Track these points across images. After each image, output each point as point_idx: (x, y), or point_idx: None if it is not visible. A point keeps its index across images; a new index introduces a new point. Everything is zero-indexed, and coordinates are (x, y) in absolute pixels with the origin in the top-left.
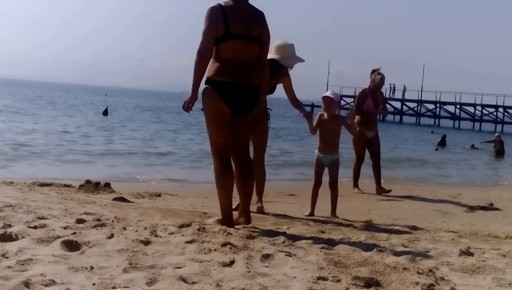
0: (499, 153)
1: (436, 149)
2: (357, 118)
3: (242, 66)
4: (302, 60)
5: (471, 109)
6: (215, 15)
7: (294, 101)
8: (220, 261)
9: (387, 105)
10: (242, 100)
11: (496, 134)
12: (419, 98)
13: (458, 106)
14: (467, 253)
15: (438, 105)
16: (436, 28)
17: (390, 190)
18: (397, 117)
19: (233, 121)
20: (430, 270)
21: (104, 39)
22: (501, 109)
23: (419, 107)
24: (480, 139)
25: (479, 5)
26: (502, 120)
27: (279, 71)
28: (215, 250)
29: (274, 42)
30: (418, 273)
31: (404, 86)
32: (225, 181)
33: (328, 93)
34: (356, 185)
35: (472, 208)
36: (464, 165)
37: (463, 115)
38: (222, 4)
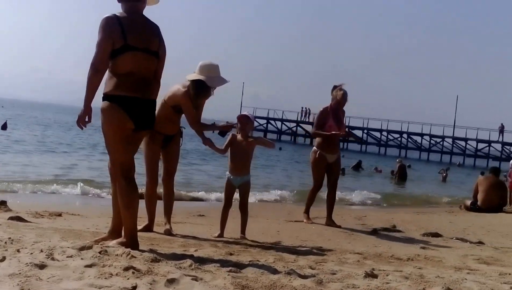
0: (401, 178)
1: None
2: (317, 140)
3: (142, 80)
4: (227, 81)
5: (377, 134)
6: (111, 26)
7: (197, 123)
8: (121, 286)
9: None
10: (144, 115)
11: (398, 159)
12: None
13: (365, 131)
14: (371, 275)
15: (347, 129)
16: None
17: (340, 226)
18: (308, 140)
19: (133, 137)
20: None
21: (9, 51)
22: (405, 135)
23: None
24: (384, 163)
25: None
26: (406, 146)
27: (205, 92)
28: (116, 274)
29: (199, 62)
30: None
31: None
32: (130, 201)
33: (244, 113)
34: (307, 211)
35: (376, 230)
36: (371, 188)
37: (370, 140)
38: (118, 14)
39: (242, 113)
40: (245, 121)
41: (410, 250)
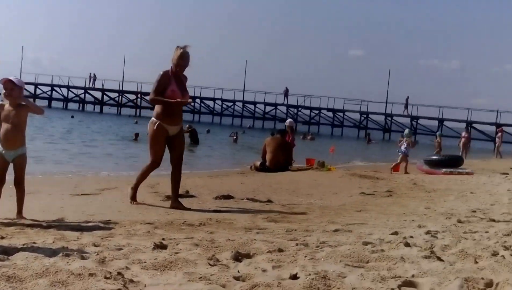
0: (194, 142)
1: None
2: (156, 109)
3: None
4: None
5: None
6: None
7: None
8: None
9: (87, 95)
10: None
11: (188, 124)
12: (121, 88)
13: None
14: (160, 246)
15: (139, 95)
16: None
17: (189, 209)
18: (98, 107)
19: None
20: (119, 273)
21: None
22: (198, 100)
23: (120, 97)
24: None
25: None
26: (199, 110)
27: None
28: None
29: None
30: (106, 277)
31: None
32: None
33: (11, 77)
34: (136, 189)
35: (168, 197)
36: None
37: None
38: None
39: (5, 77)
40: (10, 86)
41: (203, 215)
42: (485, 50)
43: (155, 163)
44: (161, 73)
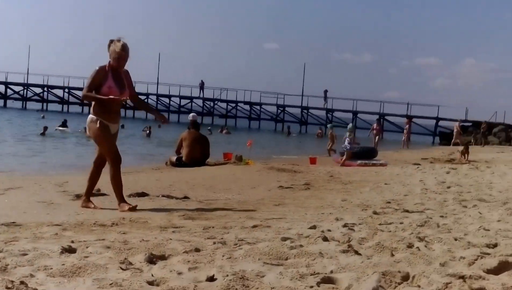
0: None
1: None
2: (94, 106)
3: None
4: None
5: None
6: None
7: None
8: None
9: None
10: None
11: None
12: (26, 82)
13: (66, 90)
14: (69, 250)
15: (46, 89)
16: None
17: (135, 206)
18: (1, 102)
19: None
20: (22, 282)
21: None
22: None
23: (25, 91)
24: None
25: None
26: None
27: None
28: None
29: None
30: (7, 288)
31: None
32: None
33: None
34: (89, 197)
35: (78, 196)
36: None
37: (71, 99)
38: None
39: None
40: None
41: (115, 214)
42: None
43: (116, 160)
44: (97, 68)
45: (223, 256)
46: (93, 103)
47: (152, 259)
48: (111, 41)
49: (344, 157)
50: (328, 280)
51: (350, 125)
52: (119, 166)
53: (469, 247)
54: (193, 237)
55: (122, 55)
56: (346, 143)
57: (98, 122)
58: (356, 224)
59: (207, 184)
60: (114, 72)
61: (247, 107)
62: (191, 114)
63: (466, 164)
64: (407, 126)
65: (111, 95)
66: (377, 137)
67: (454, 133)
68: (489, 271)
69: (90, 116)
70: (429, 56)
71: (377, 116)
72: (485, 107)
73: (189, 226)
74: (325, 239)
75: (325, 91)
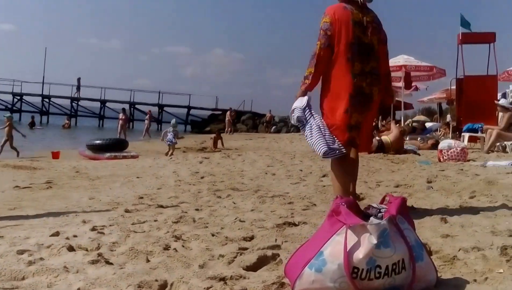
0: None
1: None
2: None
3: None
4: None
5: None
6: None
7: None
8: None
9: None
10: None
11: None
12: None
13: None
14: None
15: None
16: None
17: None
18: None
19: None
20: None
21: None
22: None
23: None
24: None
25: None
26: None
27: None
28: None
29: None
30: None
31: None
32: None
33: None
34: None
35: None
36: None
37: None
38: None
39: None
40: None
41: None
42: (145, 31)
43: None
44: None
45: None
46: None
47: None
48: None
49: (170, 151)
50: None
51: (173, 120)
52: None
53: (227, 242)
54: None
55: None
56: (169, 136)
57: None
58: (106, 226)
59: None
60: None
61: None
62: None
63: (219, 152)
64: (148, 116)
65: None
66: (123, 127)
67: (226, 122)
68: (248, 268)
69: None
70: (179, 44)
71: (127, 105)
72: (234, 96)
73: None
74: (71, 248)
75: (79, 79)
